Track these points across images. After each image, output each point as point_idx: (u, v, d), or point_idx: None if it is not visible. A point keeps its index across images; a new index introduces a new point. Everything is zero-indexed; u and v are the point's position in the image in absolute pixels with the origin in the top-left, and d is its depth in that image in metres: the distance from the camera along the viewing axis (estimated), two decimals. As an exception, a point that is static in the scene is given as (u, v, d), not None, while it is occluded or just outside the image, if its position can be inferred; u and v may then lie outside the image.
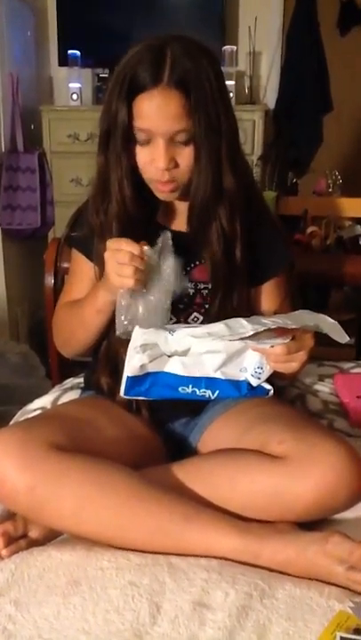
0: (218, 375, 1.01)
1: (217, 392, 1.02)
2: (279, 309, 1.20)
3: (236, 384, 1.02)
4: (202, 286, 1.15)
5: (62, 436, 0.98)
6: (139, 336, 0.99)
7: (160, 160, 1.03)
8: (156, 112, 1.00)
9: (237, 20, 3.02)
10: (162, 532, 0.92)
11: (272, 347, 0.98)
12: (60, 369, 1.61)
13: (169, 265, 1.00)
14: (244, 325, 0.98)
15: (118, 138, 1.04)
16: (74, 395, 1.33)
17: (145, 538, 0.93)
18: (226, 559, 0.91)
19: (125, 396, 1.02)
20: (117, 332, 1.01)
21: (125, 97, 1.01)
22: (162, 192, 1.09)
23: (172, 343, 0.99)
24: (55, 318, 1.24)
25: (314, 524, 0.97)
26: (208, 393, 1.02)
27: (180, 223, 1.15)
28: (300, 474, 0.94)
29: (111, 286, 1.01)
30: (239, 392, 1.02)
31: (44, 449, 0.94)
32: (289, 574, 0.89)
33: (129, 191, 1.07)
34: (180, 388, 1.01)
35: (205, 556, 0.91)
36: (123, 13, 2.78)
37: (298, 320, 1.00)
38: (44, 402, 1.35)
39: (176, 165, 1.05)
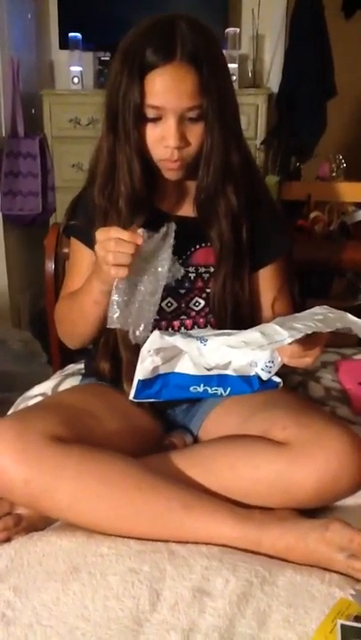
0: (229, 372, 0.98)
1: (229, 389, 0.99)
2: (278, 296, 1.19)
3: (247, 380, 0.99)
4: (203, 270, 1.14)
5: (61, 425, 0.97)
6: (157, 340, 0.96)
7: (171, 138, 1.01)
8: (170, 88, 0.99)
9: (241, 3, 2.98)
10: (161, 521, 0.92)
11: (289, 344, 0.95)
12: (62, 356, 1.60)
13: (165, 257, 0.98)
14: (279, 332, 0.94)
15: (129, 116, 1.02)
16: (74, 381, 1.33)
17: (144, 527, 0.93)
18: (226, 546, 0.90)
19: (135, 400, 0.99)
20: (108, 324, 0.98)
21: (137, 74, 0.99)
22: (170, 170, 1.07)
23: (208, 355, 0.96)
24: (57, 311, 1.23)
25: (315, 511, 0.97)
26: (220, 390, 0.99)
27: (183, 208, 1.14)
28: (304, 460, 0.94)
29: (104, 276, 0.99)
30: (251, 388, 1.00)
31: (42, 441, 0.93)
32: (290, 561, 0.89)
33: (138, 171, 1.05)
34: (191, 388, 0.99)
35: (206, 544, 0.91)
36: (124, -4, 2.75)
37: (329, 324, 0.96)
38: (44, 388, 1.35)
39: (186, 144, 1.03)
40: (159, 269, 0.97)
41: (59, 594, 0.83)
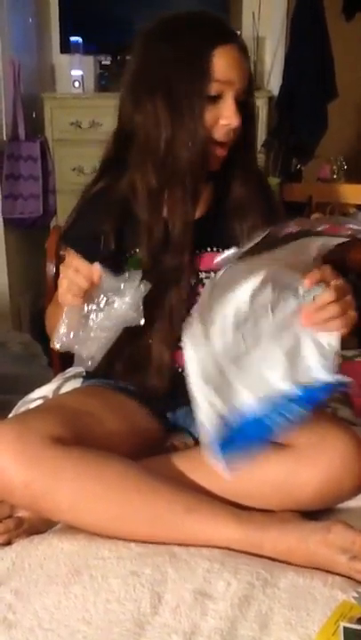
0: (289, 386, 0.90)
1: (302, 408, 0.90)
2: None
3: (313, 392, 0.91)
4: (204, 276, 1.13)
5: (62, 428, 0.97)
6: (200, 392, 0.88)
7: (233, 116, 1.03)
8: (237, 64, 1.03)
9: (241, 5, 2.98)
10: (162, 524, 0.92)
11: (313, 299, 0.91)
12: (62, 358, 1.60)
13: (127, 302, 0.96)
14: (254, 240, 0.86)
15: (194, 92, 1.01)
16: (75, 384, 1.32)
17: (145, 529, 0.92)
18: (228, 549, 0.90)
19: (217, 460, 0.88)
20: (55, 344, 0.98)
21: (205, 50, 1.01)
22: (219, 157, 1.07)
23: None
24: (47, 315, 1.23)
25: (317, 513, 0.96)
26: (297, 410, 0.90)
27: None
28: (307, 462, 0.94)
29: (59, 296, 0.98)
30: (321, 396, 0.92)
31: (42, 443, 0.93)
32: (291, 564, 0.88)
33: (203, 139, 1.03)
34: (267, 421, 0.89)
35: (207, 546, 0.90)
36: (125, -1, 2.76)
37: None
38: (45, 391, 1.34)
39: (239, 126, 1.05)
40: (115, 309, 0.96)
41: (60, 597, 0.83)
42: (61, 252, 1.53)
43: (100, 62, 2.97)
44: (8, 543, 0.95)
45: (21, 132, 2.61)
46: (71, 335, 0.96)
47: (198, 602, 0.81)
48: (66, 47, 2.93)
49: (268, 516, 0.94)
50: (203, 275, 1.13)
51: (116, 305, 0.96)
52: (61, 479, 0.92)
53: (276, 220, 1.16)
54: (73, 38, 2.89)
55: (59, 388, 1.34)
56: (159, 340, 1.10)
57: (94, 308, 0.96)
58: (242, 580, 0.83)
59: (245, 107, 1.06)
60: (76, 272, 0.94)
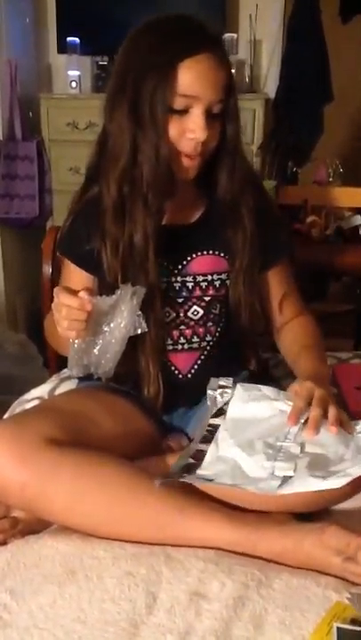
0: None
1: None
2: (286, 297, 1.23)
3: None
4: (201, 278, 1.14)
5: (57, 429, 0.97)
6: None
7: (199, 129, 1.01)
8: (205, 77, 0.99)
9: (238, 8, 2.98)
10: (156, 525, 0.92)
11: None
12: (58, 358, 1.60)
13: (125, 317, 0.97)
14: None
15: (157, 106, 0.99)
16: (71, 384, 1.33)
17: (139, 530, 0.92)
18: (222, 550, 0.90)
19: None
20: (69, 368, 1.00)
21: (169, 63, 0.98)
22: (187, 168, 1.06)
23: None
24: (45, 324, 1.23)
25: (311, 514, 0.97)
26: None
27: (178, 216, 1.13)
28: None
29: (61, 333, 0.97)
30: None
31: (38, 444, 0.93)
32: (285, 565, 0.88)
33: (166, 154, 1.02)
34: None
35: (201, 547, 0.91)
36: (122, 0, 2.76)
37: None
38: (40, 391, 1.34)
39: (208, 139, 1.03)
40: (115, 328, 0.97)
41: (55, 597, 0.83)
42: (58, 253, 1.54)
43: (97, 63, 2.97)
44: (3, 543, 0.95)
45: (18, 131, 2.62)
46: (84, 361, 0.98)
47: (193, 602, 0.81)
48: (63, 47, 2.93)
49: (262, 517, 0.94)
50: (200, 278, 1.14)
51: (117, 321, 0.97)
52: (57, 481, 0.92)
53: (269, 222, 1.17)
54: (70, 38, 2.89)
55: (54, 388, 1.35)
56: (144, 353, 1.11)
57: (98, 330, 0.97)
58: (236, 580, 0.84)
59: (224, 114, 1.04)
60: (68, 309, 0.93)
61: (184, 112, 1.01)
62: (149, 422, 1.15)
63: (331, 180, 2.50)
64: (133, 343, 1.04)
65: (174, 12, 1.05)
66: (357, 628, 0.75)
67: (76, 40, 2.89)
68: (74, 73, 2.90)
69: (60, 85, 3.08)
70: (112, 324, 0.97)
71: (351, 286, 2.41)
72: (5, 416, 1.28)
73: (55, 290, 0.97)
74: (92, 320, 0.95)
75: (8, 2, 2.60)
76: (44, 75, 3.09)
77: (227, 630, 0.77)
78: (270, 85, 3.02)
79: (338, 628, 0.75)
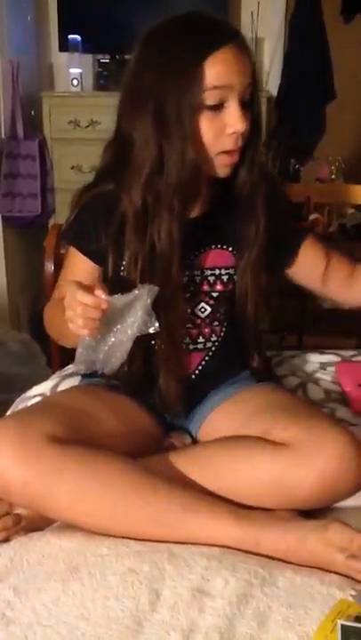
0: None
1: None
2: (329, 261, 1.22)
3: None
4: (209, 273, 1.14)
5: (60, 426, 0.97)
6: None
7: (239, 122, 0.99)
8: (235, 65, 0.98)
9: (240, 6, 2.98)
10: (160, 522, 0.92)
11: None
12: (61, 357, 1.60)
13: (138, 315, 0.96)
14: None
15: (185, 107, 0.97)
16: (74, 381, 1.32)
17: (143, 528, 0.92)
18: (226, 547, 0.90)
19: None
20: (75, 364, 0.99)
21: (195, 60, 0.96)
22: (229, 165, 1.05)
23: None
24: (45, 312, 1.22)
25: (314, 512, 0.97)
26: None
27: (192, 209, 1.11)
28: (304, 461, 0.94)
29: (72, 329, 0.96)
30: None
31: (41, 442, 0.93)
32: (289, 562, 0.88)
33: (192, 160, 1.00)
34: None
35: (205, 545, 0.91)
36: (124, -2, 2.76)
37: None
38: (43, 389, 1.34)
39: (246, 129, 1.01)
40: (128, 327, 0.96)
41: (58, 594, 0.83)
42: (62, 251, 1.54)
43: (99, 61, 2.96)
44: (6, 540, 0.95)
45: (20, 130, 2.61)
46: (93, 357, 0.97)
47: (196, 599, 0.81)
48: (64, 45, 2.92)
49: (266, 515, 0.94)
50: (208, 272, 1.14)
51: (130, 320, 0.96)
52: (60, 478, 0.92)
53: (281, 217, 1.16)
54: (72, 36, 2.89)
55: (56, 385, 1.34)
56: (163, 352, 1.10)
57: (109, 328, 0.96)
58: (240, 578, 0.84)
59: (252, 105, 1.03)
60: (84, 307, 0.92)
61: (219, 107, 0.99)
62: (152, 420, 1.15)
63: (333, 177, 2.50)
64: (148, 342, 1.04)
65: (182, 11, 1.03)
66: (362, 625, 0.75)
67: (78, 38, 2.89)
68: (75, 71, 2.90)
69: (61, 84, 3.08)
70: (125, 323, 0.96)
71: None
72: (7, 414, 1.28)
73: (68, 285, 0.95)
74: (106, 318, 0.94)
75: (10, 0, 2.59)
76: (45, 73, 3.09)
77: (230, 627, 0.77)
78: (272, 83, 3.02)
79: (342, 626, 0.75)
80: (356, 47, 3.62)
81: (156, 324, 0.96)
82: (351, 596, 0.81)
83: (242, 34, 1.02)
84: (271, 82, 3.03)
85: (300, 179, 2.74)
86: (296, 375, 1.41)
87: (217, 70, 0.97)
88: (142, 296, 0.96)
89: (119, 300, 0.95)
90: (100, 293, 0.93)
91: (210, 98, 0.98)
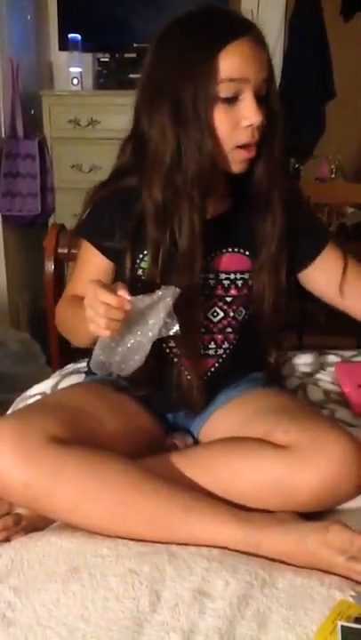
0: None
1: None
2: (354, 265, 1.17)
3: None
4: (223, 276, 1.11)
5: (61, 426, 0.96)
6: None
7: (254, 115, 0.98)
8: (250, 58, 0.97)
9: (240, 6, 2.98)
10: (161, 524, 0.92)
11: None
12: (61, 356, 1.60)
13: (159, 318, 0.95)
14: None
15: (201, 98, 0.97)
16: (74, 379, 1.32)
17: (144, 529, 0.92)
18: (226, 549, 0.90)
19: None
20: (91, 366, 0.99)
21: (210, 51, 0.96)
22: (245, 160, 1.03)
23: None
24: (57, 310, 1.21)
25: (315, 513, 0.97)
26: None
27: (210, 209, 1.09)
28: (305, 464, 0.94)
29: (92, 330, 0.96)
30: None
31: (42, 442, 0.93)
32: (289, 564, 0.88)
33: (210, 150, 0.99)
34: None
35: (206, 546, 0.91)
36: (124, -3, 2.75)
37: None
38: (43, 387, 1.34)
39: (262, 123, 1.00)
40: (149, 329, 0.95)
41: (59, 594, 0.83)
42: (64, 251, 1.54)
43: (99, 60, 2.97)
44: (7, 540, 0.95)
45: (20, 129, 2.61)
46: (110, 359, 0.97)
47: (197, 600, 0.81)
48: (64, 44, 2.92)
49: (267, 517, 0.94)
50: (222, 276, 1.12)
51: (151, 322, 0.95)
52: (61, 479, 0.92)
53: (300, 218, 1.13)
54: (71, 35, 2.89)
55: (56, 384, 1.34)
56: (182, 357, 1.10)
57: (129, 329, 0.95)
58: (240, 579, 0.84)
59: (268, 98, 1.02)
60: (107, 307, 0.91)
61: (233, 100, 0.98)
62: (154, 421, 1.15)
63: (333, 176, 2.50)
64: (160, 345, 1.03)
65: (182, 11, 1.03)
66: (362, 627, 0.75)
67: (78, 37, 2.89)
68: (75, 70, 2.90)
69: (61, 83, 3.08)
70: (146, 325, 0.95)
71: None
72: (8, 413, 1.28)
73: (90, 285, 0.94)
74: (127, 319, 0.93)
75: (10, -1, 2.60)
76: (45, 72, 3.09)
77: (231, 628, 0.77)
78: (272, 82, 3.02)
79: (342, 627, 0.75)
80: (356, 46, 3.62)
81: (177, 327, 0.95)
82: (351, 597, 0.81)
83: (258, 28, 1.01)
84: (271, 81, 3.03)
85: (300, 178, 2.74)
86: (296, 376, 1.41)
87: (232, 62, 0.97)
88: (165, 297, 0.94)
89: (142, 300, 0.94)
90: (124, 293, 0.92)
91: (225, 90, 0.98)
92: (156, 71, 1.02)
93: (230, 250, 1.11)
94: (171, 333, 0.96)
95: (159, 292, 0.95)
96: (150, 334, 0.95)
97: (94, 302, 0.92)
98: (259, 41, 0.99)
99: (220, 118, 0.99)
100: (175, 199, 1.03)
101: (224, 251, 1.11)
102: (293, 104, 2.87)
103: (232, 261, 1.12)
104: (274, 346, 1.19)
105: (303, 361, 1.47)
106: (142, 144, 1.04)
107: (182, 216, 1.03)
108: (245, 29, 0.99)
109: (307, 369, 1.45)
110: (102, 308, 0.91)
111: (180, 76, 0.98)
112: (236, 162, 1.04)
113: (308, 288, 1.21)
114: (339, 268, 1.16)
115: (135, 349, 0.96)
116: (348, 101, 3.43)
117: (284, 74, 2.94)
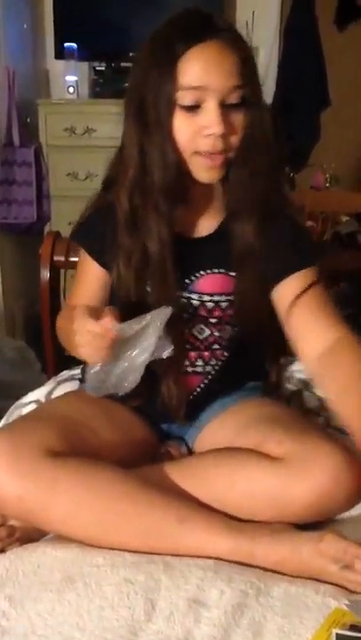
0: None
1: None
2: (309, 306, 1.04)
3: None
4: (206, 298, 1.08)
5: (55, 438, 0.96)
6: None
7: (215, 124, 0.93)
8: (211, 65, 0.91)
9: (235, 15, 3.00)
10: (155, 534, 0.91)
11: None
12: (56, 364, 1.60)
13: (149, 344, 0.93)
14: None
15: (161, 104, 0.93)
16: (69, 387, 1.32)
17: (138, 540, 0.92)
18: (221, 559, 0.90)
19: None
20: (86, 390, 0.99)
21: (171, 56, 0.91)
22: (211, 169, 0.98)
23: None
24: (57, 320, 1.20)
25: (310, 524, 0.96)
26: None
27: (191, 228, 1.08)
28: (299, 475, 0.93)
29: (88, 360, 0.95)
30: None
31: (36, 455, 0.92)
32: (284, 574, 0.88)
33: (173, 157, 0.95)
34: None
35: (200, 556, 0.90)
36: (120, 6, 2.77)
37: None
38: (37, 395, 1.34)
39: (230, 131, 0.95)
40: (141, 352, 0.94)
41: (54, 604, 0.83)
42: (60, 259, 1.54)
43: (95, 68, 2.98)
44: (1, 551, 0.95)
45: (16, 137, 2.62)
46: (105, 381, 0.96)
47: (192, 609, 0.81)
48: (60, 53, 2.94)
49: (260, 527, 0.93)
50: (206, 297, 1.09)
51: (143, 345, 0.93)
52: (56, 492, 0.91)
53: (284, 234, 1.05)
54: (67, 44, 2.90)
55: (51, 391, 1.34)
56: (165, 373, 1.09)
57: (122, 353, 0.94)
58: (235, 588, 0.84)
59: (246, 106, 0.96)
60: (94, 336, 0.89)
61: (194, 108, 0.93)
62: (148, 431, 1.14)
63: (328, 185, 2.51)
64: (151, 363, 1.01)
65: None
66: (357, 634, 0.75)
67: (74, 46, 2.90)
68: (71, 78, 2.91)
69: (57, 91, 3.09)
70: (138, 348, 0.93)
71: (349, 291, 2.42)
72: (2, 421, 1.28)
73: (78, 310, 0.92)
74: (117, 344, 0.91)
75: (6, 8, 2.61)
76: (41, 80, 3.10)
77: (226, 637, 0.77)
78: (267, 91, 3.02)
79: (337, 634, 0.75)
80: (351, 55, 3.65)
81: (171, 349, 0.93)
82: (346, 605, 0.81)
83: (234, 30, 0.95)
84: (266, 90, 3.04)
85: (294, 186, 2.75)
86: (292, 383, 1.41)
87: (192, 68, 0.92)
88: (154, 321, 0.92)
89: (130, 326, 0.92)
90: (108, 322, 0.90)
91: (185, 98, 0.93)
92: (131, 76, 1.00)
93: (216, 271, 1.08)
94: (164, 356, 0.94)
95: (148, 317, 0.93)
96: (142, 358, 0.94)
97: (81, 329, 0.91)
98: (228, 45, 0.93)
99: (181, 125, 0.95)
100: (142, 206, 1.01)
101: (209, 272, 1.08)
102: (288, 112, 2.89)
103: (217, 283, 1.08)
104: (274, 358, 1.18)
105: (299, 368, 1.47)
106: (120, 153, 1.04)
107: (150, 224, 1.01)
108: (211, 32, 0.92)
109: (303, 376, 1.45)
110: (88, 336, 0.90)
111: (145, 80, 0.95)
112: (200, 169, 0.99)
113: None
114: (294, 293, 1.03)
115: (128, 372, 0.95)
116: (343, 110, 3.46)
117: (279, 82, 2.96)
